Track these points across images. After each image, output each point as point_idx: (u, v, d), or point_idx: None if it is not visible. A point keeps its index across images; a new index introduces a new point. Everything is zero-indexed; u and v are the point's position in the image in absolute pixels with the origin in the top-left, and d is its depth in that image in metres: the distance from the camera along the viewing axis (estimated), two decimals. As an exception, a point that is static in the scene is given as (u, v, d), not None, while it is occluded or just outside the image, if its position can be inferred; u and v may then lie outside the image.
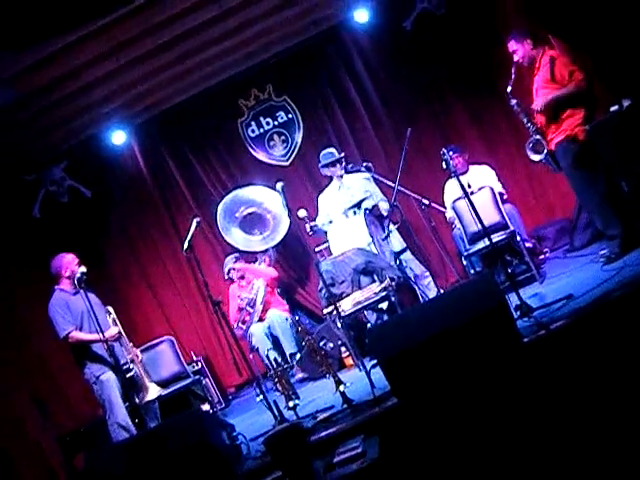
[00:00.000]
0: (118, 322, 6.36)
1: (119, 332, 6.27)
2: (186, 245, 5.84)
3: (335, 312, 5.82)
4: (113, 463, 4.95)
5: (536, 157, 6.07)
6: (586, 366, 4.30)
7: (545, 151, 5.98)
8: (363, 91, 8.36)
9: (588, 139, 5.58)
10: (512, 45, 6.06)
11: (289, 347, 7.31)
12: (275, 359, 6.14)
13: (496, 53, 7.09)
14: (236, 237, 8.01)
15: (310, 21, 7.97)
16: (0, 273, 7.87)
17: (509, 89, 6.06)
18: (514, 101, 6.10)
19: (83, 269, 6.24)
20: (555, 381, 4.27)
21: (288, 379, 5.94)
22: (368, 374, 5.16)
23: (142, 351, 7.11)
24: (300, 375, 7.24)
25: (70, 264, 6.34)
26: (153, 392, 6.25)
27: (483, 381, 4.26)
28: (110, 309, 6.40)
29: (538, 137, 6.00)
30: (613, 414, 3.94)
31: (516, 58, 6.04)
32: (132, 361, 6.29)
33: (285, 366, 5.89)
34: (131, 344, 6.57)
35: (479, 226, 5.47)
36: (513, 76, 6.04)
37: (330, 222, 7.24)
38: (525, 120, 6.07)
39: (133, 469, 4.76)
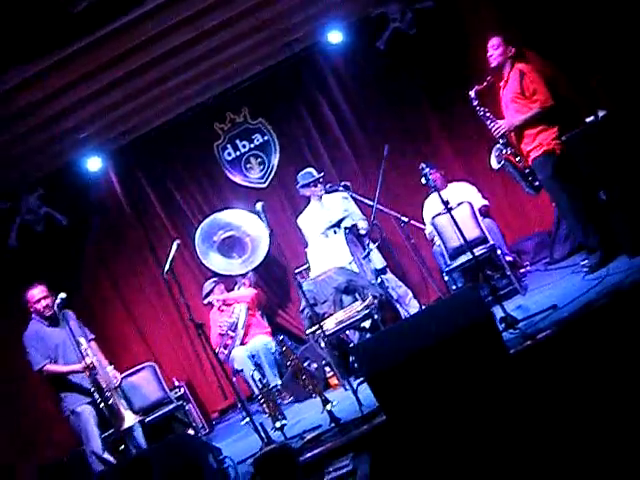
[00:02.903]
0: (90, 352, 6.26)
1: (92, 363, 6.17)
2: (167, 267, 5.78)
3: (319, 332, 5.78)
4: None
5: (496, 165, 6.17)
6: (574, 375, 4.30)
7: (503, 161, 6.08)
8: (338, 111, 8.39)
9: (565, 151, 5.62)
10: (495, 40, 6.05)
11: (272, 379, 7.20)
12: (260, 380, 6.08)
13: (470, 69, 7.14)
14: (215, 262, 7.94)
15: (283, 43, 8.00)
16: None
17: (472, 93, 6.14)
18: (476, 102, 6.16)
19: (62, 295, 6.16)
20: (544, 392, 4.25)
21: (274, 399, 5.88)
22: (355, 392, 5.12)
23: (123, 378, 7.03)
24: (287, 399, 7.15)
25: (31, 300, 6.33)
26: (129, 420, 6.17)
27: (472, 394, 4.23)
28: (81, 340, 6.28)
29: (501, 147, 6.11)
30: (603, 421, 3.93)
31: (491, 53, 6.04)
32: (109, 390, 6.19)
33: (271, 386, 5.82)
34: (111, 367, 6.52)
35: (460, 241, 5.48)
36: (485, 83, 6.10)
37: None
38: (489, 124, 6.11)
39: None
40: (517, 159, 6.09)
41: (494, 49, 6.02)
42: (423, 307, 6.92)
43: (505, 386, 4.25)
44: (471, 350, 4.25)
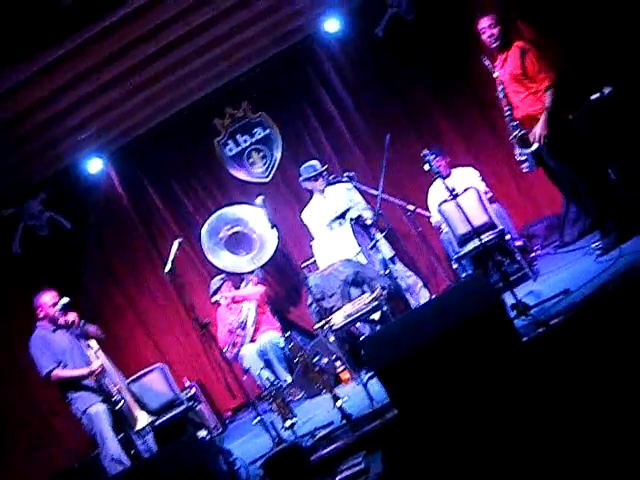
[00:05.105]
0: (101, 355, 6.23)
1: (101, 366, 6.14)
2: (168, 266, 5.66)
3: (327, 326, 5.67)
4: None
5: (527, 150, 5.75)
6: (588, 361, 4.17)
7: (535, 143, 5.69)
8: (339, 100, 8.28)
9: (573, 129, 5.46)
10: (485, 21, 5.79)
11: (283, 375, 7.14)
12: (268, 379, 5.97)
13: (471, 51, 6.99)
14: (223, 259, 7.83)
15: (280, 35, 7.89)
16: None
17: (496, 74, 5.77)
18: (500, 87, 5.77)
19: (64, 300, 6.10)
20: (557, 380, 4.13)
21: (284, 398, 5.77)
22: (365, 387, 5.01)
23: (133, 380, 7.08)
24: (298, 396, 7.05)
25: (44, 306, 6.28)
26: (143, 420, 6.15)
27: (484, 384, 4.13)
28: (91, 343, 6.27)
29: (522, 130, 5.76)
30: (616, 410, 3.81)
31: (489, 33, 5.77)
32: (119, 392, 6.14)
33: (279, 384, 5.72)
34: (119, 373, 6.47)
35: (468, 227, 5.34)
36: (489, 64, 5.82)
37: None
38: (507, 112, 5.80)
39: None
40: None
41: (492, 28, 5.76)
42: (433, 296, 6.80)
43: (518, 375, 4.15)
44: (482, 339, 4.16)
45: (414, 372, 4.17)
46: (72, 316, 6.27)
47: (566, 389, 4.09)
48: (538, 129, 5.59)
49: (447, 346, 4.15)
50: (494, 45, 5.80)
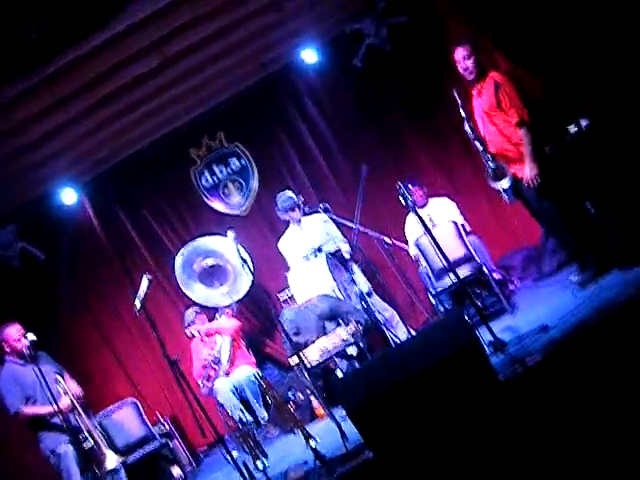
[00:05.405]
0: (69, 391, 6.13)
1: (70, 403, 6.05)
2: (138, 305, 5.51)
3: (301, 362, 5.55)
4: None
5: (500, 184, 5.69)
6: (566, 400, 4.08)
7: (509, 175, 5.63)
8: (316, 131, 8.26)
9: (549, 164, 5.40)
10: (460, 51, 5.71)
11: (259, 411, 6.98)
12: (240, 419, 5.82)
13: (448, 81, 6.95)
14: (197, 292, 7.65)
15: (258, 65, 7.84)
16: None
17: (462, 112, 5.72)
18: (467, 125, 5.74)
19: (31, 337, 5.97)
20: (535, 418, 4.03)
21: (254, 438, 5.63)
22: (339, 426, 4.88)
23: (104, 415, 6.98)
24: (274, 433, 6.89)
25: (9, 339, 6.18)
26: (111, 461, 5.96)
27: (461, 424, 4.02)
28: (59, 378, 6.16)
29: (495, 163, 5.69)
30: (598, 450, 3.71)
31: (464, 65, 5.70)
32: (88, 431, 6.01)
33: (250, 424, 5.57)
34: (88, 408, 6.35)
35: (444, 262, 5.25)
36: (458, 99, 5.72)
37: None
38: (480, 147, 5.76)
39: None
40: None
41: (466, 59, 5.68)
42: (410, 330, 6.70)
43: (496, 414, 4.05)
44: (458, 378, 4.05)
45: (388, 412, 4.05)
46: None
47: (544, 428, 3.99)
48: (527, 171, 5.51)
49: (422, 385, 4.04)
50: (470, 78, 5.74)
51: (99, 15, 5.64)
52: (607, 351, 4.22)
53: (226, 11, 6.44)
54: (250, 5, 6.49)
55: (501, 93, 5.54)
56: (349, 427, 4.80)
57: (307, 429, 5.05)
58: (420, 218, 5.27)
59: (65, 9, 5.32)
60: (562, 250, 6.45)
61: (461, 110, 5.74)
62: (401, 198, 5.34)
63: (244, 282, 7.39)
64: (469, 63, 5.69)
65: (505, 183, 5.67)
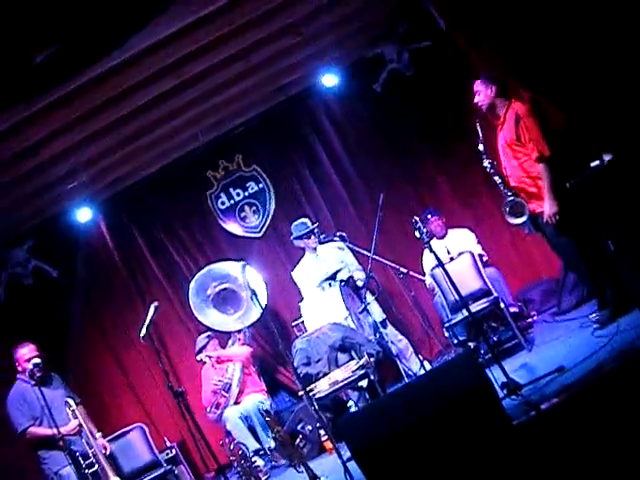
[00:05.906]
0: (79, 413, 6.04)
1: (79, 425, 6.01)
2: (143, 331, 5.41)
3: (311, 393, 5.43)
4: None
5: (517, 220, 5.59)
6: (582, 447, 3.91)
7: (527, 212, 5.54)
8: (335, 156, 8.17)
9: (569, 201, 5.25)
10: (477, 85, 5.65)
11: (266, 441, 6.86)
12: (244, 453, 5.68)
13: (470, 109, 6.81)
14: (210, 317, 7.61)
15: (277, 87, 7.78)
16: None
17: (481, 147, 5.67)
18: (487, 161, 5.67)
19: (36, 361, 5.90)
20: (549, 466, 3.87)
21: (256, 475, 5.48)
22: (344, 464, 4.73)
23: (111, 440, 6.83)
24: (280, 460, 6.76)
25: (20, 360, 6.18)
26: (117, 485, 5.86)
27: (471, 469, 3.87)
28: (70, 401, 6.13)
29: (514, 199, 5.58)
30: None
31: (477, 99, 5.65)
32: (94, 455, 5.92)
33: (252, 461, 5.44)
34: (99, 434, 6.26)
35: (457, 297, 5.12)
36: (480, 132, 5.65)
37: None
38: (499, 181, 5.65)
39: None
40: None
41: (477, 95, 5.64)
42: (424, 362, 6.56)
43: (508, 460, 3.89)
44: (469, 422, 3.90)
45: (392, 454, 3.91)
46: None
47: (558, 476, 3.83)
48: (547, 208, 5.38)
49: (431, 428, 3.89)
50: (484, 110, 5.66)
51: (116, 36, 5.61)
52: (625, 397, 4.06)
53: (244, 34, 6.36)
54: (266, 29, 6.41)
55: (521, 127, 5.42)
56: (354, 467, 4.68)
57: (311, 467, 4.91)
58: (434, 253, 5.15)
59: (82, 29, 5.29)
60: (581, 286, 6.30)
61: (480, 145, 5.64)
62: (417, 232, 5.22)
63: (256, 309, 7.29)
64: (478, 99, 5.65)
65: (521, 220, 5.54)
